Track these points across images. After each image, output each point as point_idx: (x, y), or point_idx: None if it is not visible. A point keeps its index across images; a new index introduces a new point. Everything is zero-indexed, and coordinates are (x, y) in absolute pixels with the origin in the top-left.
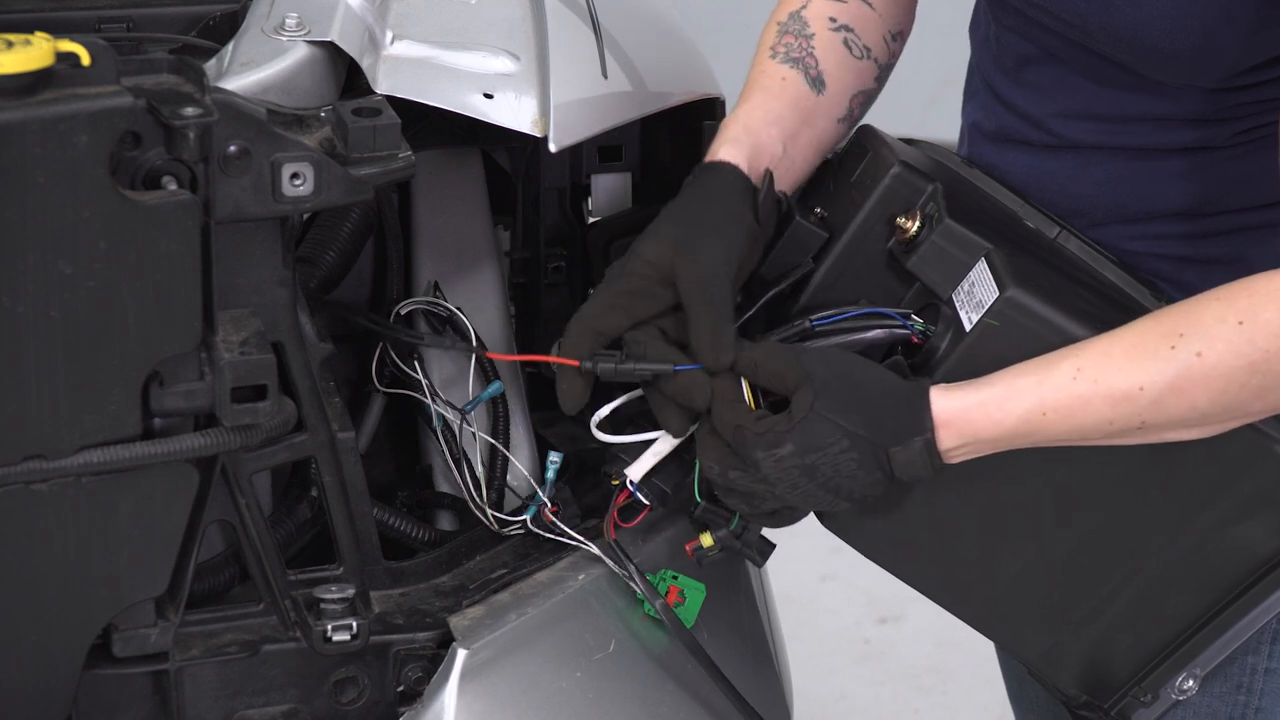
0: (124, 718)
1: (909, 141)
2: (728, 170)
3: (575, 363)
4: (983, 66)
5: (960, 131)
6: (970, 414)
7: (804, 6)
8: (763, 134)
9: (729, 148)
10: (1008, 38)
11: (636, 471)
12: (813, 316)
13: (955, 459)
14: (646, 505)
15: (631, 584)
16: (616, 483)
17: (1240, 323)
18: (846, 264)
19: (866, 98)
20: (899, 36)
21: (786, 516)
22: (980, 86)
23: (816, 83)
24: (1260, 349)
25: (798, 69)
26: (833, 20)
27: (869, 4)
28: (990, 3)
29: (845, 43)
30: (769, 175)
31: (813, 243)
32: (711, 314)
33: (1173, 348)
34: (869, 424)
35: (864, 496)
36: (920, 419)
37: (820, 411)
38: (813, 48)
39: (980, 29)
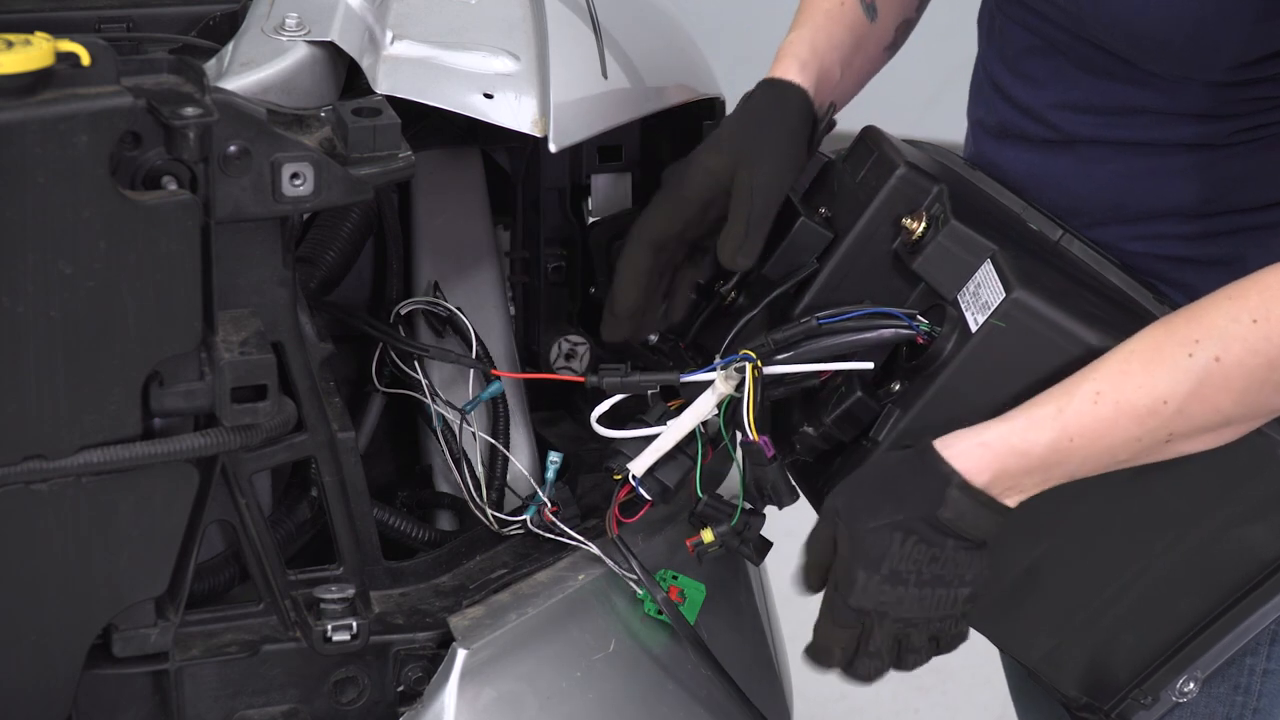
0: (124, 718)
1: (911, 143)
2: (795, 92)
3: (581, 379)
4: (987, 59)
5: (966, 130)
6: (991, 448)
7: None
8: (828, 58)
9: (799, 69)
10: (1010, 28)
11: (639, 466)
12: (819, 315)
13: (1005, 496)
14: (648, 500)
15: (631, 581)
16: (618, 477)
17: (1254, 320)
18: (851, 264)
19: (907, 27)
20: None
21: (951, 638)
22: (984, 81)
23: (871, 10)
24: (1277, 345)
25: None
26: None
27: None
28: None
29: None
30: (832, 109)
31: (817, 243)
32: (750, 219)
33: (1190, 355)
34: (901, 506)
35: (976, 574)
36: (938, 470)
37: (859, 529)
38: None
39: (985, 21)
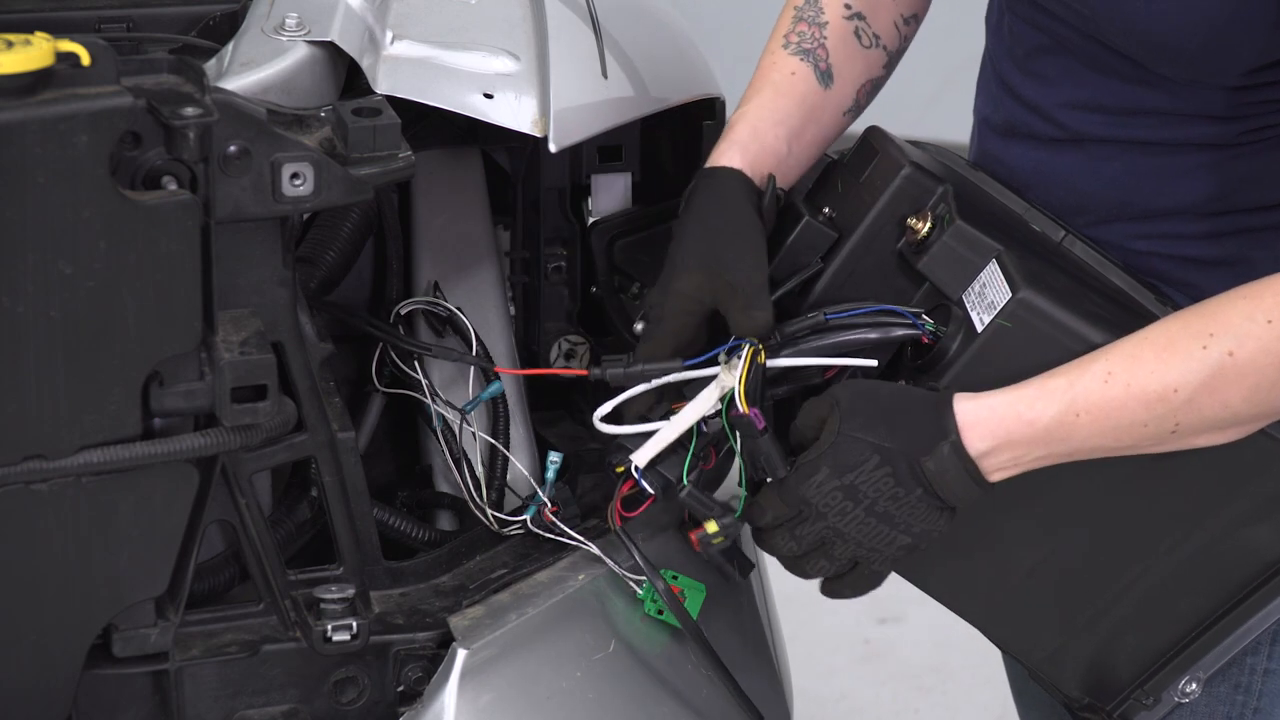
0: (124, 718)
1: (914, 144)
2: (733, 177)
3: (584, 372)
4: (995, 57)
5: (972, 127)
6: (998, 413)
7: None
8: (769, 135)
9: (734, 151)
10: (1019, 27)
11: (641, 457)
12: (827, 310)
13: (996, 470)
14: (650, 495)
15: (632, 580)
16: (621, 470)
17: (1269, 321)
18: (855, 264)
19: (873, 87)
20: (912, 20)
21: (867, 575)
22: (991, 78)
23: (825, 77)
24: None
25: (808, 62)
26: (848, 7)
27: None
28: None
29: (856, 32)
30: (772, 180)
31: (822, 242)
32: (752, 299)
33: (1204, 348)
34: (895, 435)
35: (925, 530)
36: (943, 423)
37: (847, 431)
38: (825, 38)
39: (994, 19)
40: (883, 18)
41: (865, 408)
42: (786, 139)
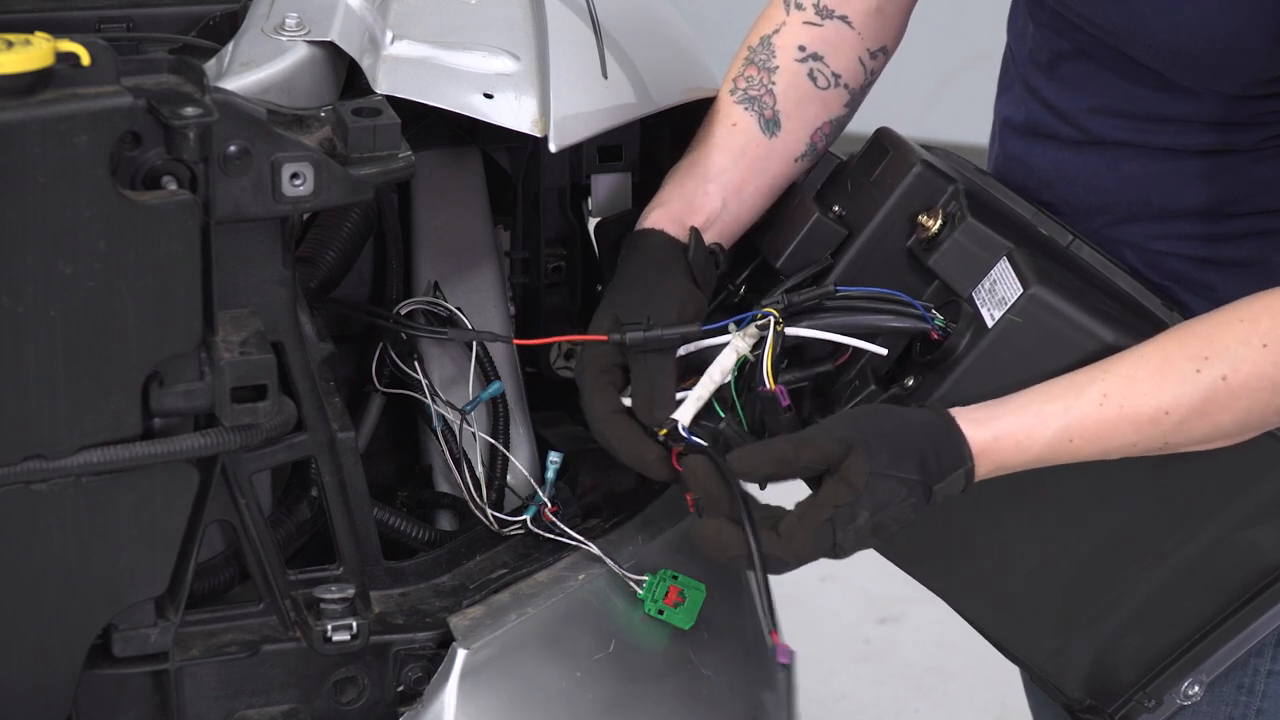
0: (124, 718)
1: (924, 147)
2: (655, 236)
3: (604, 337)
4: (1017, 60)
5: (992, 127)
6: (1000, 443)
7: (776, 31)
8: (697, 193)
9: (659, 212)
10: (1043, 33)
11: (685, 415)
12: (837, 285)
13: (980, 479)
14: (703, 447)
15: (628, 577)
16: (664, 433)
17: (1265, 345)
18: (865, 260)
19: (833, 127)
20: (880, 53)
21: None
22: (1014, 80)
23: (771, 124)
24: None
25: (752, 111)
26: (801, 49)
27: (848, 23)
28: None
29: (811, 74)
30: (694, 234)
31: (832, 239)
32: (647, 377)
33: (1198, 371)
34: (920, 468)
35: (899, 534)
36: (960, 451)
37: (878, 470)
38: (773, 84)
39: (1017, 23)
40: (844, 55)
41: (884, 444)
42: (720, 194)
